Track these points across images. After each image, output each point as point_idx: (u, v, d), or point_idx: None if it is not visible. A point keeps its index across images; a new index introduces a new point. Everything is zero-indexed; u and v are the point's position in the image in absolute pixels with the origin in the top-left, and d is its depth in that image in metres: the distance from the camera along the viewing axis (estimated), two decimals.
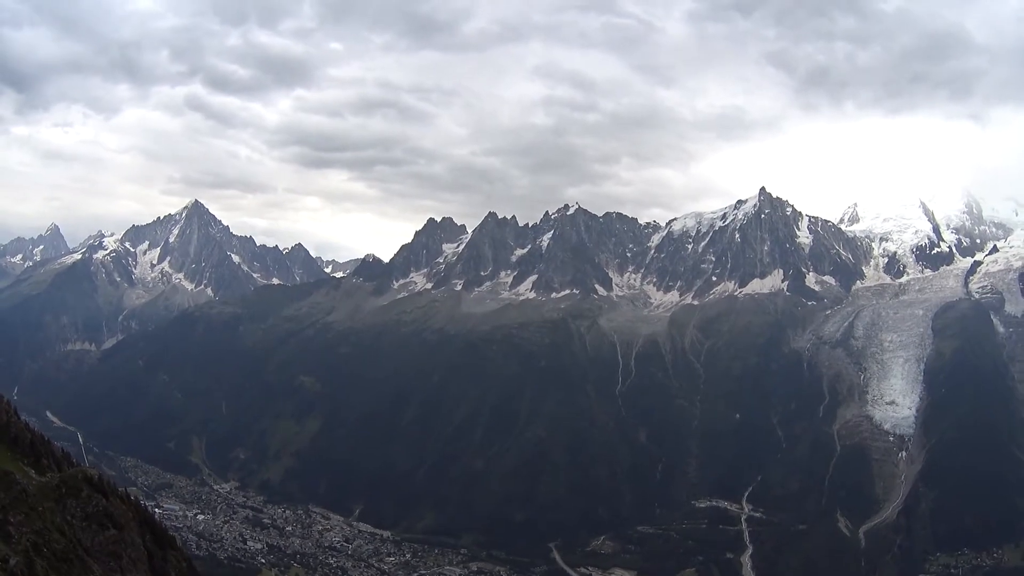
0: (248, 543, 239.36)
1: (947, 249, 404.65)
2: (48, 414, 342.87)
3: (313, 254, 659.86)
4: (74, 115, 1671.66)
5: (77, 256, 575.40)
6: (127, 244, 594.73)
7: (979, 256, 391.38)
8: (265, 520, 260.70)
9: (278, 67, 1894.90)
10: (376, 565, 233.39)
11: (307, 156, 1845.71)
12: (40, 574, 50.67)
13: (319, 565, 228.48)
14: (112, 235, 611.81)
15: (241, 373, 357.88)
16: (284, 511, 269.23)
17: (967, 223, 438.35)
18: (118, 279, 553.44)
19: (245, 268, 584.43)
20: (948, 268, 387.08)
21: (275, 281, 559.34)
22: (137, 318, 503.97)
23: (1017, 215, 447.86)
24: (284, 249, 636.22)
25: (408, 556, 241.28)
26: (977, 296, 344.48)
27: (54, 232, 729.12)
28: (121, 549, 65.31)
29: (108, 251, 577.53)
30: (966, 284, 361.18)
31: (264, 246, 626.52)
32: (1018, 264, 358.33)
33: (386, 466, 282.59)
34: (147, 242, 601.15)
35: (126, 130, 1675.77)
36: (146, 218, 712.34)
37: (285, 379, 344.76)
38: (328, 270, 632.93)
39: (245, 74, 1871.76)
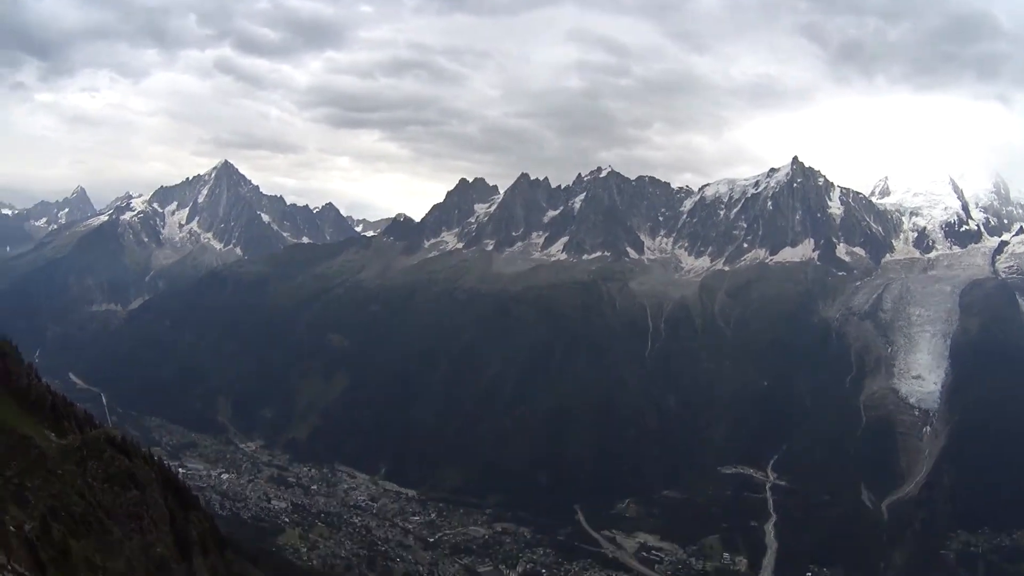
0: (272, 502, 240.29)
1: (975, 227, 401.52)
2: (71, 376, 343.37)
3: (344, 214, 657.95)
4: (101, 80, 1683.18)
5: (104, 218, 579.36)
6: (155, 205, 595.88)
7: (1006, 236, 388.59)
8: (290, 479, 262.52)
9: (308, 29, 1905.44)
10: (401, 524, 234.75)
11: (338, 117, 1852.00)
12: (57, 538, 51.25)
13: (343, 524, 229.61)
14: (140, 196, 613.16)
15: (269, 332, 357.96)
16: (310, 470, 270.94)
17: (995, 203, 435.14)
18: (146, 240, 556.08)
19: (275, 227, 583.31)
20: (976, 246, 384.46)
21: (305, 240, 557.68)
22: (165, 278, 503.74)
23: None
24: (314, 208, 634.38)
25: (433, 515, 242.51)
26: (1004, 276, 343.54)
27: (80, 195, 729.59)
28: (143, 510, 66.19)
29: (136, 212, 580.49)
30: (993, 263, 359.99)
31: (294, 205, 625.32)
32: None
33: (413, 425, 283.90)
34: (176, 202, 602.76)
35: (155, 94, 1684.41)
36: (175, 179, 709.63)
37: (313, 337, 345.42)
38: (359, 229, 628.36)
39: (275, 37, 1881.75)
